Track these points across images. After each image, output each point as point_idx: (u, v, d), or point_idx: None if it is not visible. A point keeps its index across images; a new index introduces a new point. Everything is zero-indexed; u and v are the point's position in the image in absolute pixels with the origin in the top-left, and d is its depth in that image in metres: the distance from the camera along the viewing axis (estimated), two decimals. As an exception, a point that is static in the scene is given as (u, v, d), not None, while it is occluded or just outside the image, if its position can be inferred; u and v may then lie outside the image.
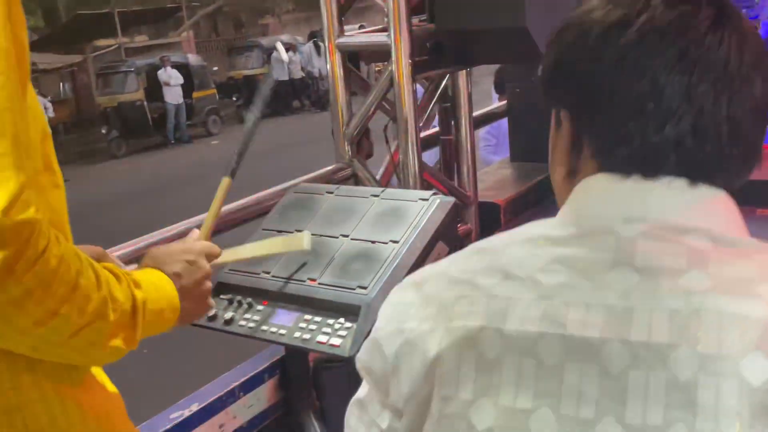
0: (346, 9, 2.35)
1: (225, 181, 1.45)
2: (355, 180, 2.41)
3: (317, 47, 19.75)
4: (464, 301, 0.75)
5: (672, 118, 0.72)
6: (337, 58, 2.33)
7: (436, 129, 2.64)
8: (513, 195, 2.70)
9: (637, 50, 0.73)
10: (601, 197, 0.77)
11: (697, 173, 0.74)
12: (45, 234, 0.86)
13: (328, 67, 2.36)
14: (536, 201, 2.81)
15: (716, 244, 0.71)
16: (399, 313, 0.80)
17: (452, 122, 2.55)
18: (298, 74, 19.29)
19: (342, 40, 2.31)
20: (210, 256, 1.24)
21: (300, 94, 19.63)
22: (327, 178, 2.35)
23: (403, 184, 2.32)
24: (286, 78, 18.48)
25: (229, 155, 1.48)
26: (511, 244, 0.78)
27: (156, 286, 1.09)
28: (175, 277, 1.14)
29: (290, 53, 18.96)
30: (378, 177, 2.43)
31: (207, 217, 1.42)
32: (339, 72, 2.34)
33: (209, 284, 1.22)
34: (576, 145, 0.80)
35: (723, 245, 0.72)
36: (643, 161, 0.74)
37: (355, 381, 1.89)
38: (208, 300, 1.22)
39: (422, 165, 2.30)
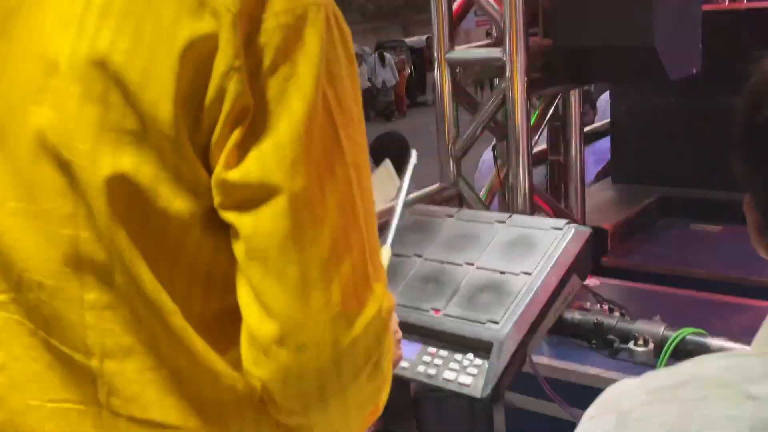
0: (457, 23, 2.27)
1: (386, 251, 1.40)
2: (460, 200, 2.34)
3: (382, 58, 19.84)
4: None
5: None
6: (447, 72, 2.26)
7: (543, 147, 2.55)
8: (620, 220, 2.59)
9: None
10: None
11: None
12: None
13: (437, 82, 2.29)
14: (644, 226, 2.69)
15: None
16: None
17: (562, 142, 2.45)
18: (364, 84, 19.39)
19: (453, 54, 2.24)
20: (395, 321, 1.20)
21: (366, 105, 19.71)
22: (431, 198, 2.28)
23: (511, 206, 2.25)
24: (365, 86, 18.69)
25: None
26: (709, 397, 0.65)
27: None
28: None
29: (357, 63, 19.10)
30: (484, 197, 2.35)
31: None
32: (447, 87, 2.27)
33: (401, 352, 1.18)
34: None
35: None
36: None
37: (459, 414, 1.79)
38: (400, 347, 1.18)
39: (533, 186, 2.22)
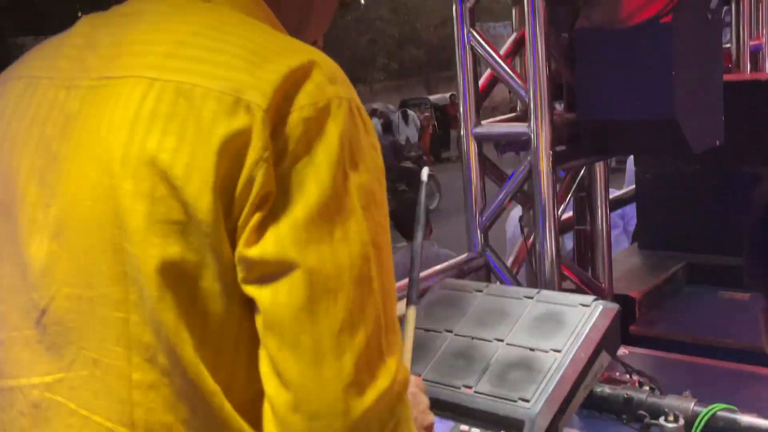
0: (483, 98, 2.33)
1: (411, 312, 1.39)
2: (487, 269, 2.36)
3: (405, 116, 20.08)
4: None
5: None
6: (474, 146, 2.31)
7: (570, 214, 2.57)
8: (648, 287, 2.59)
9: None
10: None
11: None
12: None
13: (464, 155, 2.34)
14: (672, 294, 2.68)
15: None
16: None
17: (588, 211, 2.48)
18: (389, 140, 19.58)
19: (479, 129, 2.29)
20: (421, 388, 1.25)
21: (388, 161, 19.89)
22: (459, 268, 2.30)
23: (538, 275, 2.26)
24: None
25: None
26: None
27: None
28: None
29: (382, 121, 19.30)
30: (512, 267, 2.37)
31: (405, 349, 1.37)
32: (475, 161, 2.32)
33: (432, 417, 1.21)
34: None
35: None
36: None
37: None
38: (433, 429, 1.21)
39: (560, 256, 2.24)
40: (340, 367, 0.82)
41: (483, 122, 2.32)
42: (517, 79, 2.20)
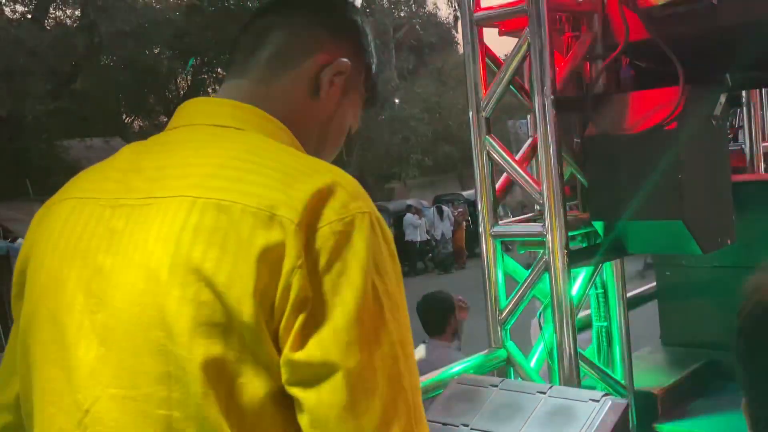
0: (501, 199, 2.43)
1: None
2: (508, 366, 2.40)
3: (440, 212, 20.21)
4: None
5: None
6: (492, 245, 2.39)
7: (587, 312, 2.61)
8: (670, 384, 2.60)
9: None
10: None
11: None
12: None
13: (483, 253, 2.42)
14: (695, 391, 2.68)
15: None
16: None
17: (605, 309, 2.52)
18: (423, 237, 19.68)
19: (497, 228, 2.37)
20: None
21: (424, 256, 19.93)
22: (481, 363, 2.35)
23: (558, 372, 2.29)
24: (424, 238, 19.13)
25: None
26: None
27: None
28: None
29: (415, 217, 19.45)
30: (532, 364, 2.41)
31: None
32: (493, 258, 2.40)
33: None
34: None
35: None
36: None
37: None
38: None
39: (577, 353, 2.28)
40: None
41: (500, 222, 2.41)
42: (531, 182, 2.26)
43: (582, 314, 2.55)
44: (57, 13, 19.00)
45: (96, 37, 18.25)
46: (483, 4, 2.32)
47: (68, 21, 19.09)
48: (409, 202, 20.97)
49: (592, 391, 1.72)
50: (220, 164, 1.02)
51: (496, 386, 1.84)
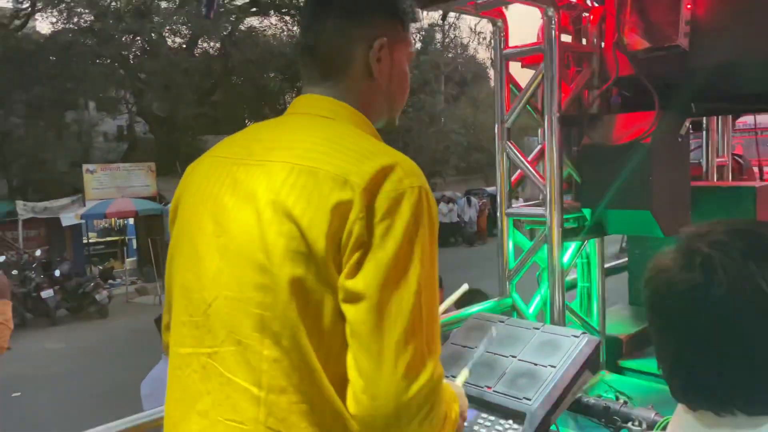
0: (515, 189, 2.41)
1: (466, 371, 1.50)
2: (513, 310, 2.39)
3: (469, 201, 20.02)
4: None
5: None
6: (506, 222, 2.38)
7: (574, 276, 2.58)
8: (633, 333, 2.55)
9: None
10: None
11: None
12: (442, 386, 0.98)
13: (499, 229, 2.40)
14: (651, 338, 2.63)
15: None
16: None
17: (588, 273, 2.49)
18: (455, 219, 19.56)
19: (511, 209, 2.36)
20: (463, 407, 1.26)
21: (455, 233, 19.82)
22: (493, 307, 2.34)
23: (549, 318, 2.27)
24: (455, 220, 19.03)
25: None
26: None
27: (458, 404, 1.15)
28: (459, 396, 1.21)
29: (450, 204, 19.33)
30: (530, 311, 2.40)
31: (459, 377, 1.47)
32: (507, 231, 2.38)
33: (464, 418, 1.23)
34: None
35: None
36: None
37: None
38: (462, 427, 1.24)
39: (565, 304, 2.26)
40: (396, 368, 0.91)
41: (514, 205, 2.39)
42: (539, 177, 2.26)
43: (570, 277, 2.52)
44: (203, 44, 19.33)
45: (230, 63, 18.55)
46: (511, 44, 2.29)
47: (210, 50, 19.40)
48: (446, 193, 20.83)
49: (574, 329, 1.69)
50: (315, 142, 1.03)
51: (503, 322, 1.82)
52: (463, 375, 1.50)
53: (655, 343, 0.78)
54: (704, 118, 3.02)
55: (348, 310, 0.94)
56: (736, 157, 3.19)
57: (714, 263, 0.73)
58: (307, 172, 0.98)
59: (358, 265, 0.93)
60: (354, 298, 0.93)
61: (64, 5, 16.60)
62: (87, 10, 16.77)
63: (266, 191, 1.00)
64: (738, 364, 0.71)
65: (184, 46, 18.73)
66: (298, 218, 0.95)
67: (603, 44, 2.26)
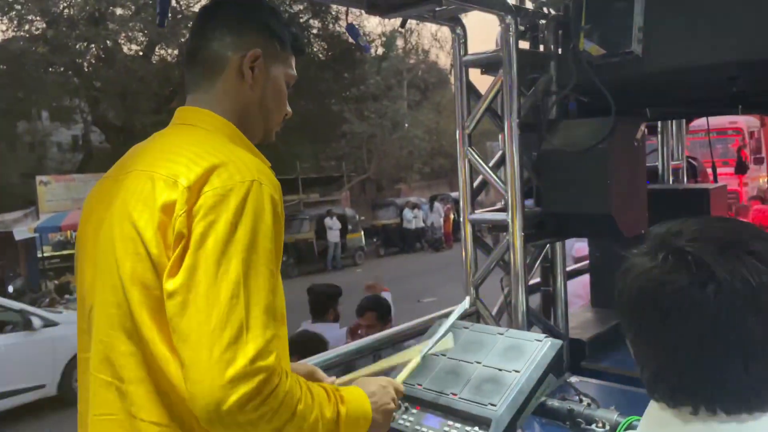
0: (477, 194, 2.42)
1: (417, 359, 1.52)
2: (477, 315, 2.40)
3: (432, 206, 20.16)
4: None
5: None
6: (469, 228, 2.39)
7: (538, 280, 2.61)
8: (596, 334, 2.59)
9: None
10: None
11: None
12: (278, 373, 0.97)
13: (462, 234, 2.41)
14: (614, 340, 2.67)
15: None
16: None
17: (550, 277, 2.52)
18: (420, 225, 19.65)
19: (473, 216, 2.37)
20: (397, 391, 1.30)
21: (420, 239, 19.90)
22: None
23: (514, 322, 2.29)
24: (420, 226, 19.14)
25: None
26: None
27: (357, 402, 1.15)
28: (370, 395, 1.19)
29: (416, 210, 19.40)
30: (494, 314, 2.41)
31: (403, 372, 1.47)
32: (470, 239, 2.39)
33: (394, 405, 1.25)
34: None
35: None
36: None
37: None
38: (390, 416, 1.25)
39: (529, 308, 2.28)
40: (211, 354, 0.93)
41: (477, 211, 2.41)
42: (500, 182, 2.27)
43: (533, 281, 2.55)
44: (161, 51, 19.01)
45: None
46: (470, 51, 2.32)
47: (168, 57, 19.10)
48: (411, 199, 20.93)
49: (537, 334, 1.71)
50: (164, 150, 1.11)
51: (468, 328, 1.83)
52: (408, 369, 1.49)
53: (637, 344, 0.78)
54: (659, 123, 3.10)
55: (168, 305, 0.98)
56: (690, 160, 3.29)
57: (704, 261, 0.72)
58: (147, 178, 1.06)
59: (179, 263, 0.98)
60: (171, 294, 0.97)
61: (14, 13, 16.13)
62: (39, 17, 16.33)
63: (120, 201, 1.09)
64: (733, 361, 0.71)
65: (141, 53, 18.39)
66: (136, 221, 1.03)
67: (560, 51, 2.30)
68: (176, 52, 18.84)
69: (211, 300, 0.95)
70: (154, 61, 18.68)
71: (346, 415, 1.09)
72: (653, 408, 0.79)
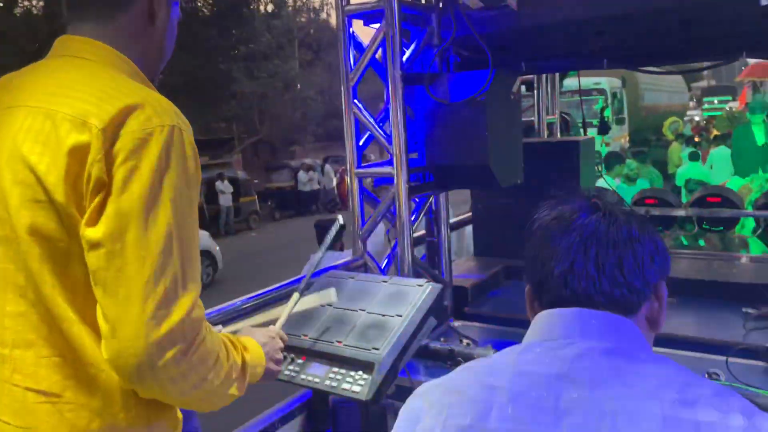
0: (363, 149, 2.42)
1: (295, 296, 1.52)
2: (365, 267, 2.43)
3: (323, 169, 20.10)
4: (456, 406, 0.76)
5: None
6: (356, 182, 2.39)
7: (423, 232, 2.68)
8: (477, 281, 2.71)
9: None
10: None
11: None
12: (205, 324, 0.96)
13: (349, 189, 2.42)
14: (494, 286, 2.82)
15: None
16: (412, 416, 0.81)
17: (435, 228, 2.59)
18: (315, 187, 19.53)
19: (360, 169, 2.38)
20: (282, 340, 1.33)
21: (316, 201, 19.81)
22: (347, 266, 2.36)
23: (400, 272, 2.34)
24: (315, 188, 19.01)
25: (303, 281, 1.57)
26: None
27: (254, 350, 1.17)
28: (262, 344, 1.22)
29: (310, 172, 19.24)
30: (382, 266, 2.45)
31: (280, 318, 1.47)
32: (357, 192, 2.40)
33: (281, 354, 1.30)
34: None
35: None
36: None
37: (363, 417, 1.84)
38: (280, 364, 1.29)
39: (414, 258, 2.33)
40: (145, 309, 0.89)
41: (363, 165, 2.41)
42: (384, 138, 2.30)
43: (418, 234, 2.62)
44: (25, 3, 17.17)
45: (57, 23, 16.69)
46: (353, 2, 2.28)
47: (34, 10, 17.30)
48: (306, 160, 20.70)
49: (419, 279, 1.76)
50: (60, 85, 0.99)
51: (353, 278, 1.85)
52: (285, 313, 1.49)
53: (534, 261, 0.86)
54: (534, 79, 3.24)
55: (89, 258, 0.91)
56: (563, 115, 3.48)
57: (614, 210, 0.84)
58: (44, 115, 0.95)
59: (99, 211, 0.90)
60: (94, 245, 0.90)
61: None
62: None
63: (5, 139, 0.97)
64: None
65: (2, 5, 16.53)
66: (34, 165, 0.93)
67: (441, 4, 2.32)
68: (42, 3, 17.12)
69: (142, 251, 0.89)
70: (17, 14, 16.87)
71: (249, 362, 1.12)
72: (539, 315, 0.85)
